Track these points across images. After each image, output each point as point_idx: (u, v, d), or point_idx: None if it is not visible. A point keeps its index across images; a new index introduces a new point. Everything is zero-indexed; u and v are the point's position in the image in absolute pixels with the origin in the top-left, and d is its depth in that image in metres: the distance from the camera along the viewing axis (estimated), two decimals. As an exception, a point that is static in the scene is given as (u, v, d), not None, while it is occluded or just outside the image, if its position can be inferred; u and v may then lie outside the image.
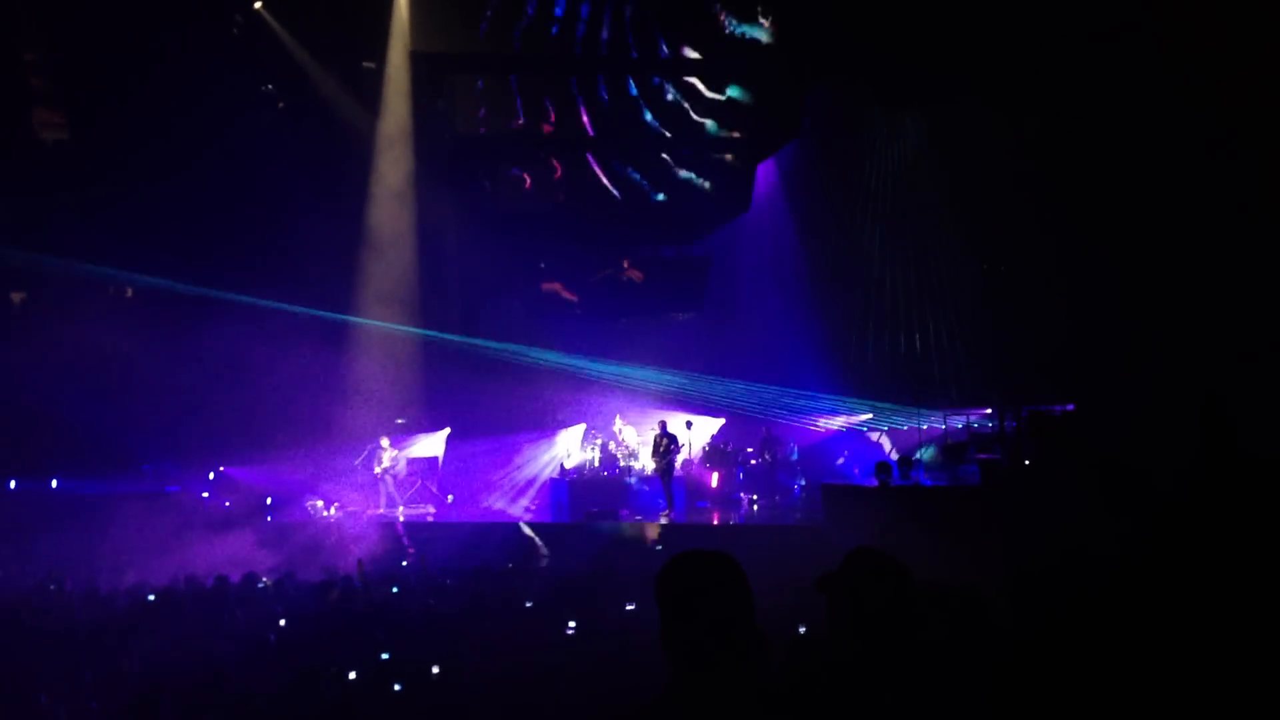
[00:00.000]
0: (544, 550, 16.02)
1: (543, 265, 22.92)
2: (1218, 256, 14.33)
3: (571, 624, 9.33)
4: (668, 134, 21.42)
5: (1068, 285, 16.99)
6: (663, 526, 16.62)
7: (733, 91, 21.49)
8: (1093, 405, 14.90)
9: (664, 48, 20.54)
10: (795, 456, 21.89)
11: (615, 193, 21.87)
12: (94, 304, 19.22)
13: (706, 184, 22.37)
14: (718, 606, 2.52)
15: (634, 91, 21.24)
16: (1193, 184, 14.61)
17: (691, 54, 20.82)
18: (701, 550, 2.65)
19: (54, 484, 18.49)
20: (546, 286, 23.06)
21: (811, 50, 20.36)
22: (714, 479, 20.33)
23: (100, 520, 15.35)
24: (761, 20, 20.70)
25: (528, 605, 10.20)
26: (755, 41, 20.60)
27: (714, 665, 2.48)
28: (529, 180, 21.84)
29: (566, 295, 23.30)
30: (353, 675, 7.74)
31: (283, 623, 9.57)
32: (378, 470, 19.79)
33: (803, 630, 6.81)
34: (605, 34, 20.27)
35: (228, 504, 18.45)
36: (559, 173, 21.91)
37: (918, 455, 18.43)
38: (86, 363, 18.43)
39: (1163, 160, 14.97)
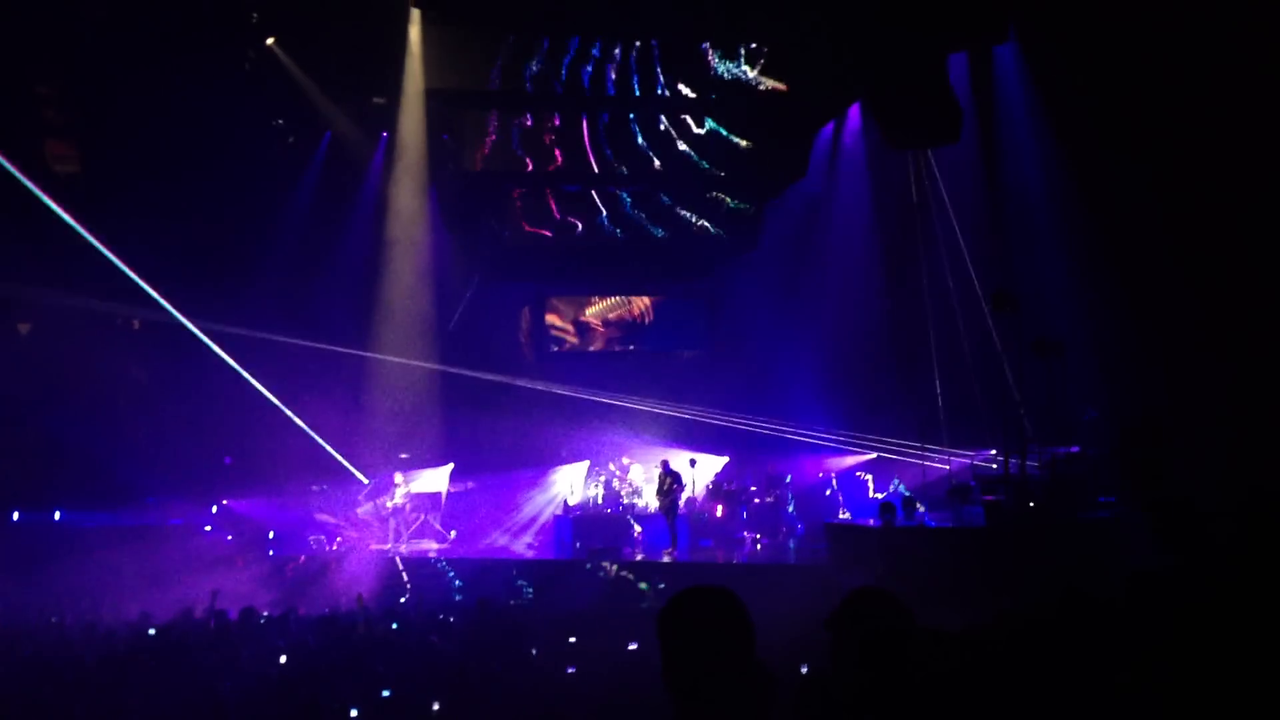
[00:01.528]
0: (546, 587, 15.93)
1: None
2: (1237, 296, 14.31)
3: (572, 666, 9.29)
4: (674, 174, 21.50)
5: (1077, 324, 16.96)
6: (666, 565, 16.57)
7: (740, 133, 21.61)
8: (1101, 448, 14.82)
9: (671, 89, 20.67)
10: (789, 480, 21.75)
11: (618, 232, 21.96)
12: (100, 336, 19.27)
13: (713, 225, 22.46)
14: (719, 643, 2.51)
15: (639, 132, 21.35)
16: (1207, 220, 14.60)
17: (698, 95, 20.96)
18: (704, 587, 2.65)
19: (57, 516, 18.45)
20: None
21: (819, 91, 20.52)
22: (718, 516, 20.26)
23: (103, 553, 15.36)
24: (767, 62, 20.87)
25: (531, 651, 10.14)
26: (762, 83, 20.74)
27: (716, 703, 2.46)
28: (533, 217, 21.93)
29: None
30: (354, 712, 7.70)
31: (284, 658, 9.53)
32: (389, 505, 19.74)
33: (805, 670, 6.78)
34: (612, 75, 20.43)
35: (230, 538, 18.42)
36: (563, 210, 21.99)
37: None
38: (92, 395, 18.47)
39: (1174, 198, 15.00)
